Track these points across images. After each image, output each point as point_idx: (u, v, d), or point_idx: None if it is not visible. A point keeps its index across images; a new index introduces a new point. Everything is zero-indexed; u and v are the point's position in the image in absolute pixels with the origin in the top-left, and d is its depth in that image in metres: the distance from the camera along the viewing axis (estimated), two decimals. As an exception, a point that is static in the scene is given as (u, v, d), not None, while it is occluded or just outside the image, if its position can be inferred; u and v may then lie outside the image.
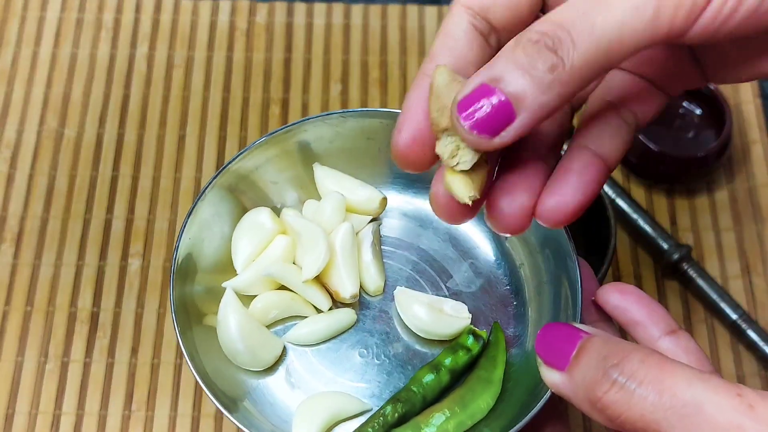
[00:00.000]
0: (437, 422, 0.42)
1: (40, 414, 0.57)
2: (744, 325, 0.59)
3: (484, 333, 0.44)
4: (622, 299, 0.40)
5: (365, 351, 0.45)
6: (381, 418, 0.42)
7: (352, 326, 0.45)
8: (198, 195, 0.44)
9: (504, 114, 0.30)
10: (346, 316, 0.45)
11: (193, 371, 0.41)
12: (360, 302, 0.46)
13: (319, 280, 0.45)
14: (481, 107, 0.30)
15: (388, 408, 0.42)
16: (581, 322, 0.41)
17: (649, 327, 0.39)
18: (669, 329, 0.39)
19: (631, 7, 0.29)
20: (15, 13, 0.71)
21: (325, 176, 0.47)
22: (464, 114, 0.30)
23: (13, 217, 0.63)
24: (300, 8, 0.72)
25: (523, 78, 0.30)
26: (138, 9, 0.71)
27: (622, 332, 0.43)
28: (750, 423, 0.30)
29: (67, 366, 0.58)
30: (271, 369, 0.44)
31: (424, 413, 0.42)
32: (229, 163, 0.45)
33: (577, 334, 0.34)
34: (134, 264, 0.62)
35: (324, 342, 0.45)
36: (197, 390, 0.58)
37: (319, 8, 0.72)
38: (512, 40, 0.31)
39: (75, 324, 0.60)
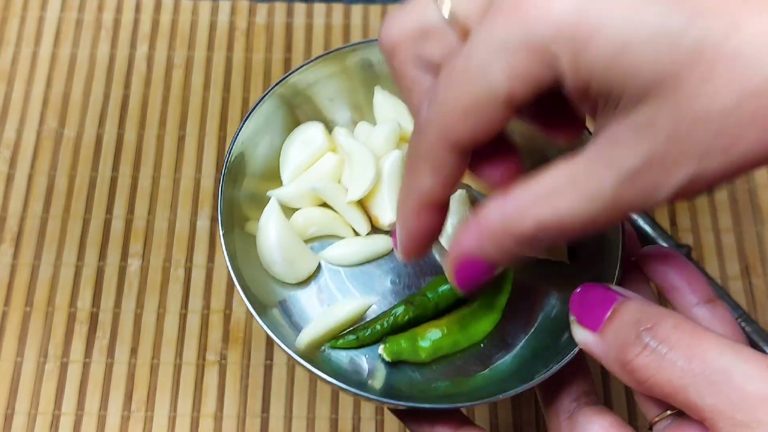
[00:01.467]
0: (433, 337, 0.42)
1: (39, 414, 0.57)
2: (744, 325, 0.59)
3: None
4: (664, 263, 0.40)
5: (397, 279, 0.45)
6: (391, 317, 0.42)
7: (388, 254, 0.46)
8: (256, 101, 0.45)
9: (487, 271, 0.34)
10: (383, 242, 0.46)
11: (231, 271, 0.41)
12: None
13: (362, 203, 0.46)
14: (470, 277, 0.35)
15: (400, 309, 0.43)
16: (619, 281, 0.41)
17: (686, 294, 0.39)
18: (707, 298, 0.39)
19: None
20: (15, 13, 0.71)
21: (384, 101, 0.48)
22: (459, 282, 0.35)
23: (12, 217, 0.63)
24: (300, 8, 0.72)
25: (497, 249, 0.32)
26: (138, 9, 0.71)
27: (660, 298, 0.42)
28: None
29: (67, 366, 0.58)
30: (304, 283, 0.45)
31: (422, 326, 0.43)
32: (291, 73, 0.45)
33: (612, 297, 0.35)
34: (134, 264, 0.62)
35: (358, 265, 0.46)
36: (196, 390, 0.58)
37: (319, 8, 0.72)
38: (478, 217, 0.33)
39: (74, 324, 0.60)
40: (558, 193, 0.30)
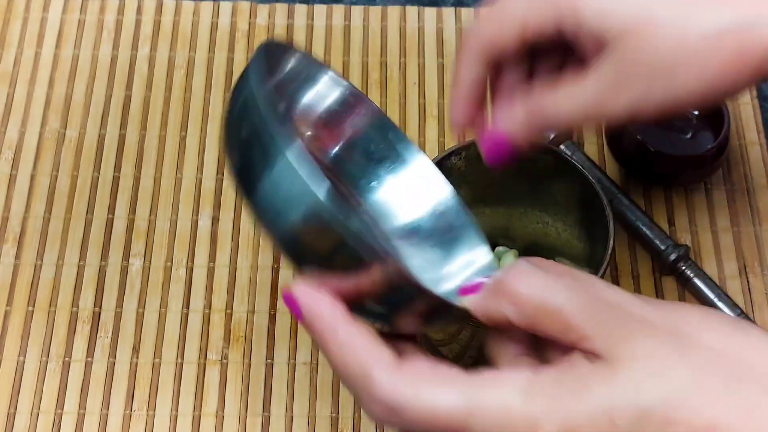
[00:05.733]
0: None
1: (41, 413, 0.57)
2: (742, 325, 0.59)
3: None
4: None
5: None
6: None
7: None
8: None
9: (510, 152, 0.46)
10: None
11: None
12: None
13: None
14: (497, 154, 0.47)
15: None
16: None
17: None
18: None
19: None
20: (17, 15, 0.71)
21: None
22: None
23: (15, 217, 0.63)
24: (300, 10, 0.72)
25: (521, 130, 0.46)
26: (139, 10, 0.72)
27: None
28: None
29: (69, 365, 0.59)
30: None
31: None
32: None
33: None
34: (135, 264, 0.62)
35: None
36: (198, 389, 0.58)
37: (319, 10, 0.72)
38: None
39: (76, 324, 0.60)
40: (561, 100, 0.43)
